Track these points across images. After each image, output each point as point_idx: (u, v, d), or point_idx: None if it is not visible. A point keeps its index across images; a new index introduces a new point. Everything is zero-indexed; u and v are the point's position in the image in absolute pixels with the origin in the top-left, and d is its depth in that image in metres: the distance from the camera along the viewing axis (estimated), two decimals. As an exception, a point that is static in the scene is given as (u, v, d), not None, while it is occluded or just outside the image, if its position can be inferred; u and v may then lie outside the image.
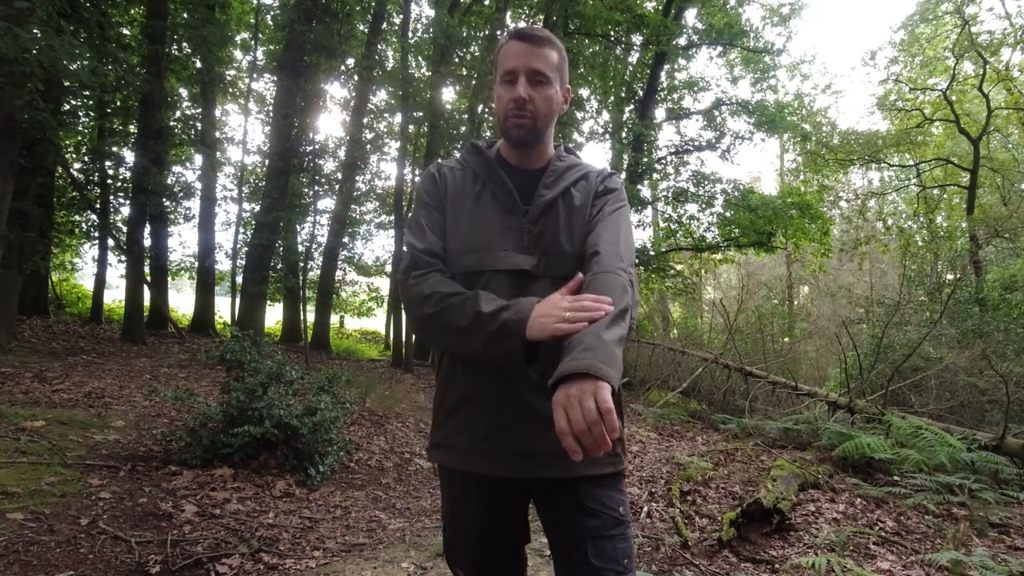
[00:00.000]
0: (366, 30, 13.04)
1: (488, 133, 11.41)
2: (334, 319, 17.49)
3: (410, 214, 1.38)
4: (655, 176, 13.62)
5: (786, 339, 13.85)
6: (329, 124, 26.29)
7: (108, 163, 10.77)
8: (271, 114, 11.22)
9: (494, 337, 1.09)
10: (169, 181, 11.28)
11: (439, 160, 1.39)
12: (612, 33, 13.37)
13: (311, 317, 13.08)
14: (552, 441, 1.13)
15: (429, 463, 4.89)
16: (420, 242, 1.26)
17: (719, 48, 14.49)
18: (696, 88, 15.07)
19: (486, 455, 1.20)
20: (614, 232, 1.24)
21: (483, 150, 1.34)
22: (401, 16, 13.13)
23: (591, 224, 1.26)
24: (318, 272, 14.03)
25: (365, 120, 13.78)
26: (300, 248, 12.51)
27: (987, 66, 13.49)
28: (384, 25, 13.29)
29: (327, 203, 13.49)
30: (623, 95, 14.44)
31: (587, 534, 1.16)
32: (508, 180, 1.27)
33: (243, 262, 11.56)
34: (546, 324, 1.04)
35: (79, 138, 11.68)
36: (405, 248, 1.30)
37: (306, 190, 11.47)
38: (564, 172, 1.31)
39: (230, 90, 14.34)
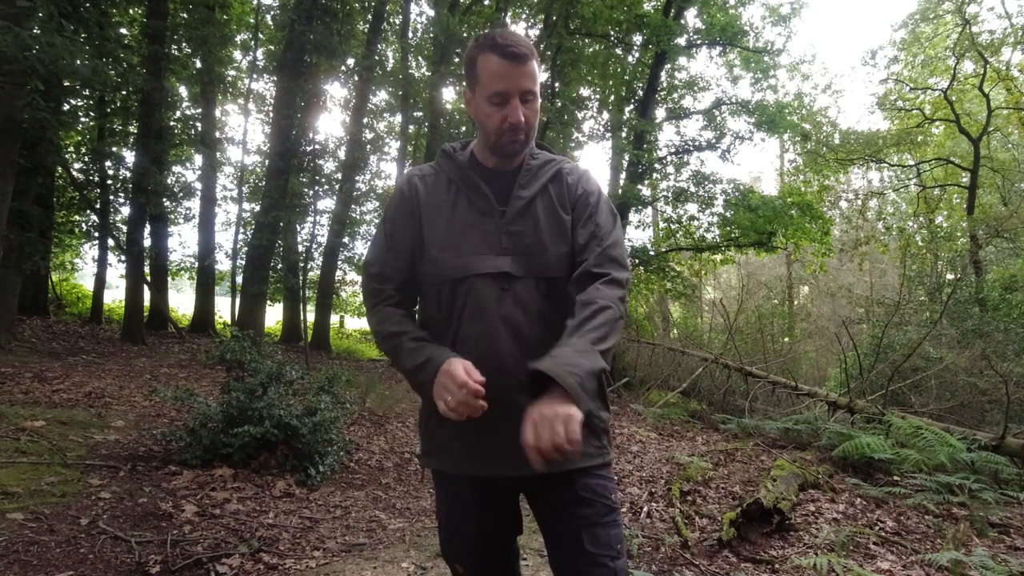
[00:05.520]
0: (366, 30, 13.04)
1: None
2: (334, 319, 17.48)
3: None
4: (655, 176, 13.61)
5: (786, 339, 13.85)
6: (329, 124, 26.35)
7: (108, 163, 10.77)
8: (271, 114, 11.22)
9: (419, 388, 1.21)
10: (169, 181, 11.28)
11: (415, 168, 1.40)
12: (612, 33, 13.36)
13: (311, 317, 13.08)
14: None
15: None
16: (373, 265, 1.32)
17: (719, 48, 14.47)
18: (696, 88, 15.05)
19: (476, 457, 1.23)
20: (614, 249, 1.26)
21: (454, 155, 1.33)
22: (401, 16, 13.14)
23: (581, 233, 1.27)
24: (318, 272, 14.03)
25: (365, 120, 13.78)
26: (300, 248, 12.52)
27: (987, 66, 13.49)
28: (384, 25, 13.28)
29: (327, 203, 13.50)
30: (623, 95, 14.42)
31: (582, 523, 1.20)
32: (482, 184, 1.27)
33: (243, 262, 11.56)
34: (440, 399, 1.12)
35: (79, 138, 11.68)
36: (364, 266, 1.35)
37: (306, 190, 11.47)
38: (538, 170, 1.31)
39: (230, 90, 14.34)
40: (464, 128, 11.58)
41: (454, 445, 1.26)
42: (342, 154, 13.85)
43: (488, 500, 1.29)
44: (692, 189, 13.02)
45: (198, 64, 12.00)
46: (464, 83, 1.31)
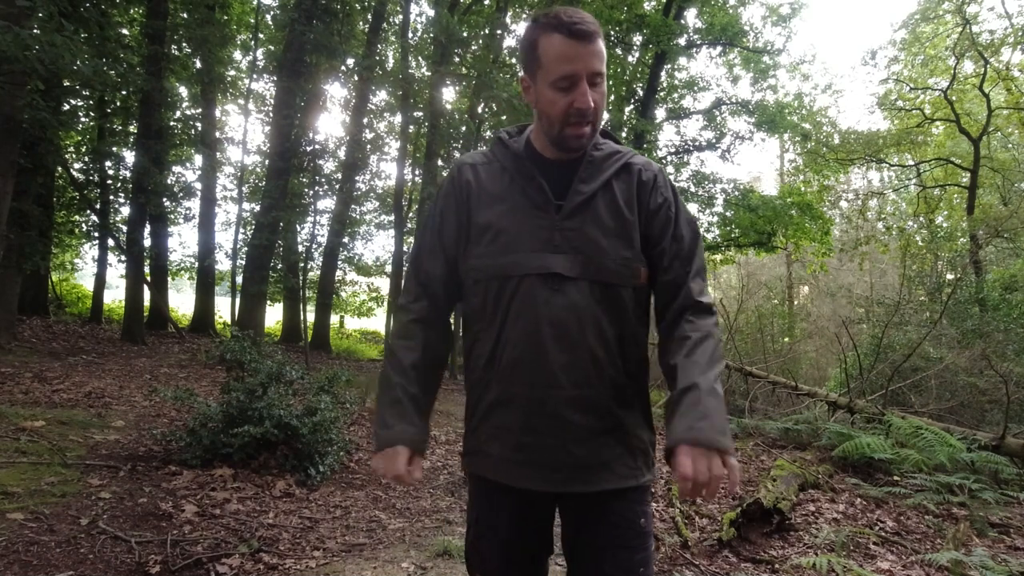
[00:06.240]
0: (366, 30, 13.04)
1: (488, 134, 11.41)
2: (334, 319, 17.50)
3: (427, 213, 1.32)
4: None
5: (786, 339, 13.85)
6: (329, 124, 26.27)
7: (108, 163, 10.78)
8: (271, 114, 11.22)
9: (375, 430, 1.22)
10: (169, 181, 11.28)
11: (465, 155, 1.31)
12: (612, 33, 13.37)
13: (311, 317, 13.08)
14: (579, 454, 1.14)
15: (431, 464, 4.90)
16: (420, 259, 1.25)
17: (719, 48, 14.50)
18: (696, 88, 15.07)
19: (515, 465, 1.17)
20: (698, 265, 1.20)
21: (509, 143, 1.23)
22: (401, 16, 13.12)
23: (665, 251, 1.18)
24: (318, 272, 14.03)
25: (365, 120, 13.78)
26: (300, 248, 12.51)
27: (987, 66, 13.49)
28: (384, 25, 13.28)
29: (327, 203, 13.51)
30: (623, 95, 14.44)
31: (607, 544, 1.16)
32: (538, 175, 1.17)
33: (243, 262, 11.56)
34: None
35: (79, 138, 11.68)
36: (410, 256, 1.28)
37: (306, 190, 11.47)
38: (602, 163, 1.18)
39: (230, 90, 14.35)
40: (464, 128, 11.57)
41: (495, 447, 1.19)
42: (342, 154, 13.87)
43: (521, 512, 1.23)
44: (692, 189, 13.04)
45: (198, 64, 12.02)
46: (521, 70, 1.20)
